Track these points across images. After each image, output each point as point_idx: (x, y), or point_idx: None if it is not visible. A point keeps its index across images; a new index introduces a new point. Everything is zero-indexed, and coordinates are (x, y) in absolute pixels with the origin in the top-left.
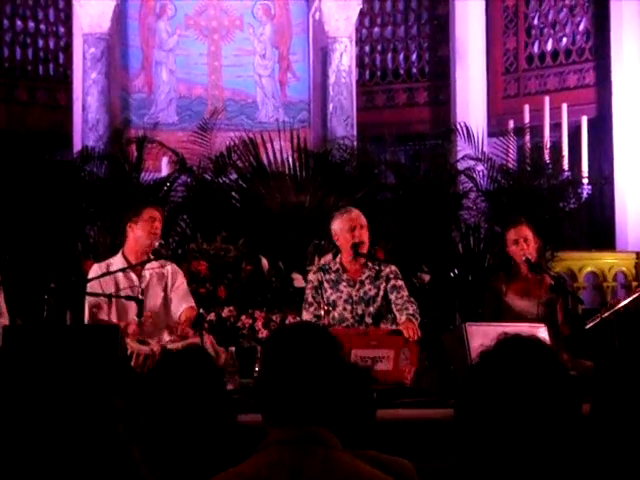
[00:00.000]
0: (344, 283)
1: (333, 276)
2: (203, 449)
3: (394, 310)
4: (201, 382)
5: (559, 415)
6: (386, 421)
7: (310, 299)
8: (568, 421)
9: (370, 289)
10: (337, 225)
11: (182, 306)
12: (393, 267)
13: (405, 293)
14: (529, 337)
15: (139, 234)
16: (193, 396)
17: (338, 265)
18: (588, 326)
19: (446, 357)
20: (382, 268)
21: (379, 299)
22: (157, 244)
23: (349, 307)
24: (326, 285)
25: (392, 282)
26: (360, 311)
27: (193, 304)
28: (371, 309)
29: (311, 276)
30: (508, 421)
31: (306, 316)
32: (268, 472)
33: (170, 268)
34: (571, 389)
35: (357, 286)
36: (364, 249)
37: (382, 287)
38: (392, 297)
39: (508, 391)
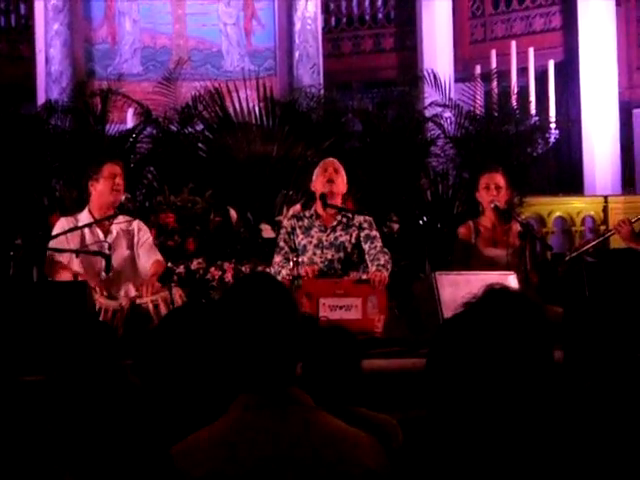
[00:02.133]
0: (316, 229)
1: (306, 222)
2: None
3: (367, 260)
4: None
5: (534, 365)
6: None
7: (282, 244)
8: (542, 371)
9: (341, 235)
10: (315, 172)
11: (150, 259)
12: (368, 217)
13: (379, 244)
14: (516, 291)
15: (101, 191)
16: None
17: (312, 212)
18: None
19: (416, 306)
20: (354, 218)
21: (349, 245)
22: (123, 198)
23: (319, 252)
24: (298, 231)
25: (366, 231)
26: (330, 256)
27: (161, 258)
28: (341, 254)
29: (285, 222)
30: (485, 372)
31: (277, 259)
32: (248, 435)
33: (136, 224)
34: (550, 343)
35: (328, 232)
36: (335, 198)
37: (354, 235)
38: (366, 247)
39: (491, 343)
